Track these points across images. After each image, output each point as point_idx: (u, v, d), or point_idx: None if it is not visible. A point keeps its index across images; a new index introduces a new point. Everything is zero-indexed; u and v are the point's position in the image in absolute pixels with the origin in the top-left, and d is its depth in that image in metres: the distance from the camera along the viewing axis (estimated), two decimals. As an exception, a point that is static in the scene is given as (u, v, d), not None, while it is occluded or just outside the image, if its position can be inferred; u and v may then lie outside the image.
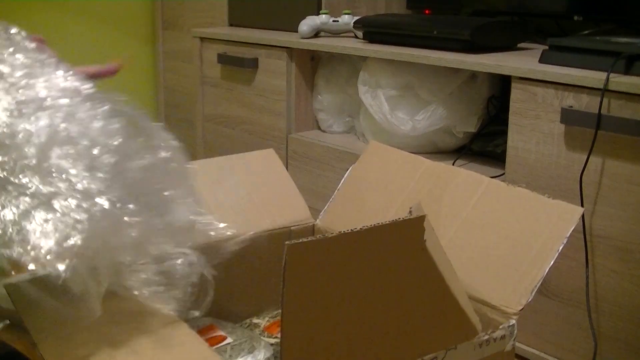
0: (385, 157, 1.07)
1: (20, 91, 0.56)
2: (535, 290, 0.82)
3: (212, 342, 0.93)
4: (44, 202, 0.53)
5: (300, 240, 0.60)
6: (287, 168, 1.51)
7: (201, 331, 0.96)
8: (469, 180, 0.96)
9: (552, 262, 0.83)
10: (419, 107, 1.47)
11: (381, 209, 1.02)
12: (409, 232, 0.68)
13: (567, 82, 1.15)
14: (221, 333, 0.95)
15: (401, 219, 0.67)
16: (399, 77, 1.48)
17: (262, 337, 0.99)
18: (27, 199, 0.53)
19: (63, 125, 0.56)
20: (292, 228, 1.08)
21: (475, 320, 0.77)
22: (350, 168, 1.10)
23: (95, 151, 0.56)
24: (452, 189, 0.96)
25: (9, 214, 0.52)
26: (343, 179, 1.09)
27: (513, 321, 0.81)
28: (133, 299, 0.81)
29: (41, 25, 2.19)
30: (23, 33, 0.63)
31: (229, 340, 0.93)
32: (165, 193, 0.64)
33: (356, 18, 1.64)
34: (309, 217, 1.10)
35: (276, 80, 1.72)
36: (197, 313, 0.73)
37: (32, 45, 0.62)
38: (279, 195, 1.10)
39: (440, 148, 1.53)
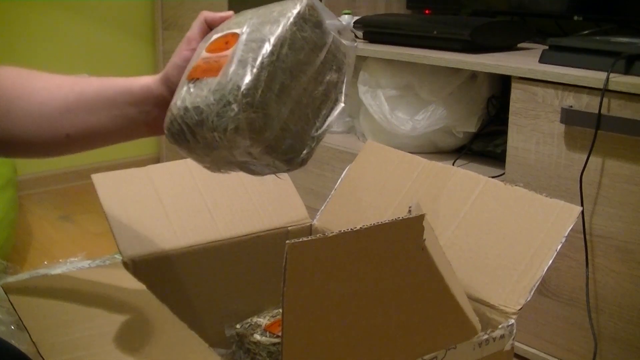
0: (382, 157, 1.07)
1: None
2: (534, 289, 0.82)
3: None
4: None
5: (301, 240, 0.60)
6: (286, 168, 1.51)
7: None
8: (466, 180, 0.96)
9: (550, 262, 0.83)
10: (418, 107, 1.47)
11: (378, 208, 1.02)
12: (408, 231, 0.68)
13: (567, 82, 1.15)
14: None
15: (401, 218, 0.67)
16: (399, 77, 1.48)
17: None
18: None
19: None
20: (289, 228, 1.08)
21: (474, 320, 0.77)
22: (347, 168, 1.10)
23: None
24: (449, 189, 0.96)
25: None
26: (340, 179, 1.09)
27: (512, 321, 0.81)
28: (133, 299, 0.81)
29: (41, 25, 2.19)
30: None
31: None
32: None
33: (356, 18, 1.64)
34: (306, 217, 1.10)
35: (276, 80, 1.72)
36: None
37: None
38: (276, 195, 1.10)
39: (440, 148, 1.53)
